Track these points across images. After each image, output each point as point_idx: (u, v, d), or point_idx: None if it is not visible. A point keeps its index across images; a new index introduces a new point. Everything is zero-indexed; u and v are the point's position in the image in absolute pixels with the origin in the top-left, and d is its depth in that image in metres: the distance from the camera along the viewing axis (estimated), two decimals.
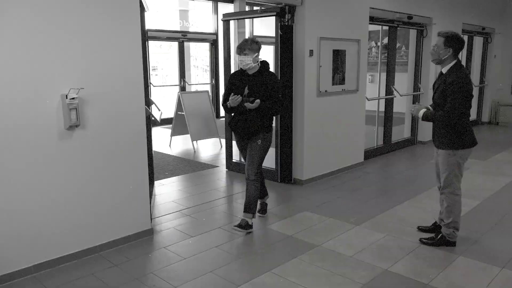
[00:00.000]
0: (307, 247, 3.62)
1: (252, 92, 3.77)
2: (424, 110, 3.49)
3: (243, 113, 3.83)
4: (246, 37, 12.18)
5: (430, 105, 3.64)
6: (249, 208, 3.95)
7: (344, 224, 4.12)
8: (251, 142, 3.89)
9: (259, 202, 4.29)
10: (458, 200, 3.55)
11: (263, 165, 5.81)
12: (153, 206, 4.67)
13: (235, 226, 3.93)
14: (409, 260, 3.40)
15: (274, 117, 3.96)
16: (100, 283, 3.07)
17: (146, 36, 4.72)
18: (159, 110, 6.11)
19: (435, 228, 3.86)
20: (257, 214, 4.29)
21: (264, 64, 3.88)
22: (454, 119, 3.32)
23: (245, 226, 3.89)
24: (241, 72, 3.90)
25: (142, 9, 4.56)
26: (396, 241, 3.75)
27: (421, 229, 3.93)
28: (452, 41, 3.35)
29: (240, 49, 3.74)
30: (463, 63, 9.38)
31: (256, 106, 3.69)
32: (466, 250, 3.54)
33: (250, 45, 3.71)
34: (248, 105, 3.70)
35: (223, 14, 5.90)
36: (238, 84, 3.86)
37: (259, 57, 3.81)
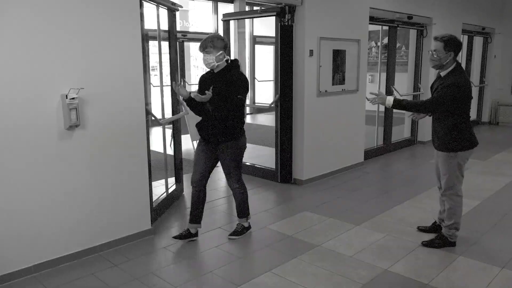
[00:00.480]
0: (307, 247, 3.62)
1: (215, 91, 3.42)
2: (391, 97, 3.40)
3: (208, 116, 3.53)
4: (246, 37, 12.13)
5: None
6: (241, 212, 3.87)
7: (344, 224, 4.12)
8: (220, 153, 3.63)
9: (191, 226, 3.78)
10: (460, 202, 3.54)
11: (263, 165, 5.85)
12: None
13: (230, 235, 3.83)
14: (409, 260, 3.40)
15: (243, 122, 3.63)
16: (100, 283, 3.07)
17: (173, 36, 4.70)
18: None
19: (435, 228, 3.86)
20: (172, 237, 3.77)
21: (233, 62, 3.57)
22: (432, 110, 3.42)
23: (241, 231, 3.86)
24: (210, 72, 3.62)
25: (171, 10, 4.58)
26: (396, 241, 3.75)
27: (421, 229, 3.93)
28: (452, 45, 3.27)
29: (202, 47, 3.44)
30: (463, 63, 9.40)
31: (206, 98, 3.33)
32: (466, 250, 3.54)
33: (213, 42, 3.41)
34: (197, 96, 3.35)
35: (223, 14, 5.89)
36: (206, 84, 3.53)
37: (225, 55, 3.49)
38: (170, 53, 4.71)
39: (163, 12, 4.58)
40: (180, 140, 4.99)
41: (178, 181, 4.96)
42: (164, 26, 4.66)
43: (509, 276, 3.15)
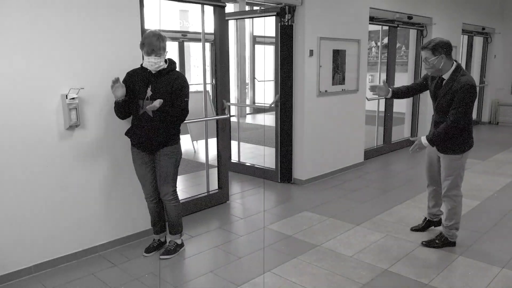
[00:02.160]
0: (307, 247, 3.62)
1: (156, 93, 3.16)
2: (424, 137, 3.39)
3: (145, 121, 3.21)
4: (246, 37, 12.05)
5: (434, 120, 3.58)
6: (174, 228, 3.50)
7: (344, 224, 4.12)
8: (159, 158, 3.29)
9: (160, 235, 3.62)
10: (461, 201, 3.55)
11: (263, 165, 5.85)
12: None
13: (161, 255, 3.45)
14: (409, 260, 3.40)
15: (180, 126, 3.39)
16: (100, 283, 3.07)
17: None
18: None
19: (427, 224, 3.90)
20: (144, 254, 3.51)
21: (172, 62, 3.29)
22: (460, 127, 3.26)
23: (174, 249, 3.49)
24: (141, 70, 3.24)
25: (219, 7, 4.40)
26: (396, 241, 3.75)
27: (415, 229, 3.94)
28: (440, 48, 3.23)
29: (154, 50, 3.09)
30: (463, 63, 9.40)
31: (158, 106, 3.05)
32: (466, 250, 3.54)
33: (164, 44, 3.14)
34: (150, 107, 3.03)
35: None
36: (139, 85, 3.22)
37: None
38: (216, 55, 4.54)
39: (209, 10, 4.40)
40: (229, 144, 4.80)
41: (221, 187, 4.75)
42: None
43: (509, 276, 3.15)
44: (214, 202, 4.68)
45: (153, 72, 3.20)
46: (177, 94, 3.20)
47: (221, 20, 4.48)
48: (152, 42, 3.10)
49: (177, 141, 3.37)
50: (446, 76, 3.32)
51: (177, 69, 3.33)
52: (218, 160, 4.76)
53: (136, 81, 3.23)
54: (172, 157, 3.32)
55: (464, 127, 3.31)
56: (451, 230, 3.57)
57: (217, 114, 4.67)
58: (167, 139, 3.27)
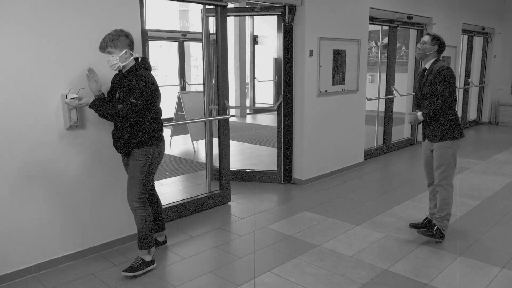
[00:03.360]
0: (307, 247, 3.63)
1: (121, 95, 3.05)
2: (420, 113, 3.68)
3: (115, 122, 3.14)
4: (247, 37, 12.03)
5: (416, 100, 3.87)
6: (142, 242, 3.19)
7: (344, 224, 4.12)
8: (130, 161, 3.16)
9: (156, 234, 3.54)
10: (452, 192, 3.66)
11: (262, 166, 5.85)
12: None
13: (124, 270, 3.12)
14: (409, 260, 3.40)
15: (153, 130, 3.15)
16: (100, 283, 3.07)
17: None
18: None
19: (427, 224, 3.93)
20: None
21: (141, 63, 3.08)
22: (453, 104, 3.53)
23: (138, 267, 3.13)
24: (120, 71, 3.13)
25: (221, 6, 4.36)
26: (396, 241, 3.75)
27: (413, 225, 4.00)
28: (439, 40, 3.67)
29: (102, 47, 2.98)
30: (463, 63, 9.42)
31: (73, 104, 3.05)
32: (466, 250, 3.55)
33: (113, 41, 2.95)
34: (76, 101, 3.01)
35: None
36: (115, 86, 3.18)
37: (130, 53, 3.04)
38: (217, 54, 4.50)
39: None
40: (228, 144, 4.73)
41: (222, 188, 4.72)
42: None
43: (509, 276, 3.15)
44: (215, 202, 4.67)
45: (115, 71, 3.15)
46: (126, 96, 3.00)
47: (223, 19, 4.47)
48: (103, 40, 3.00)
49: (147, 144, 3.10)
50: (428, 65, 3.70)
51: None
52: (219, 161, 4.74)
53: (114, 82, 3.21)
54: (139, 160, 3.09)
55: (452, 109, 3.57)
56: (444, 221, 3.65)
57: (218, 114, 4.66)
58: (132, 141, 3.08)
